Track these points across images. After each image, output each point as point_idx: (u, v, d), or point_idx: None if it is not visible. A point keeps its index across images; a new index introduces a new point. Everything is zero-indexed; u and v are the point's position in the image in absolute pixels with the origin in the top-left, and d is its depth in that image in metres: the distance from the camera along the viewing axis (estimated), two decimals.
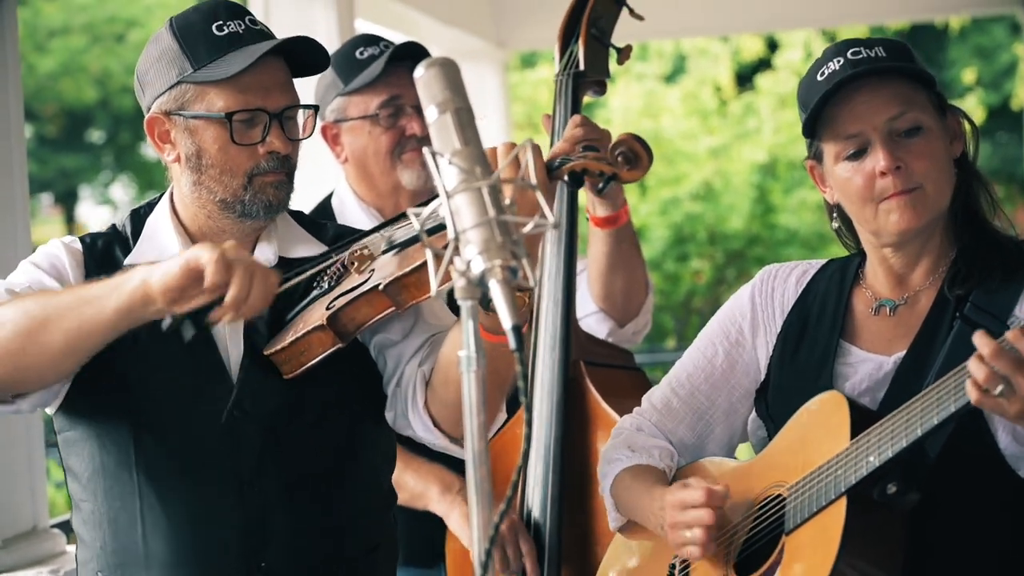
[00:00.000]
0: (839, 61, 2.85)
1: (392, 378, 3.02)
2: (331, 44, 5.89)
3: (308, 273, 2.90)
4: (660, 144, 17.13)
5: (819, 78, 2.87)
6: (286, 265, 3.01)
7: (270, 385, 2.93)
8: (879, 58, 2.85)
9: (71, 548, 4.22)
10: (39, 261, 2.97)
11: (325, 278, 3.00)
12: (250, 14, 2.99)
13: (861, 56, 2.85)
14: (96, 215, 22.64)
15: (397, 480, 3.24)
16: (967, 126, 2.94)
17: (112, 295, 2.65)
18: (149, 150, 20.60)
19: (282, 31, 3.08)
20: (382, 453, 3.15)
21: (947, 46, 19.91)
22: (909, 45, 2.95)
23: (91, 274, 2.95)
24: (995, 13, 13.43)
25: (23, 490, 4.21)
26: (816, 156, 2.95)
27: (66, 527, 4.27)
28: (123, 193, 22.43)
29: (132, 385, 2.93)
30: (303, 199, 4.23)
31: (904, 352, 2.85)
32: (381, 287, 2.82)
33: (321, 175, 5.44)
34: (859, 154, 2.85)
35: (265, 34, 2.96)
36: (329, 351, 2.89)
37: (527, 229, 2.15)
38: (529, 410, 2.02)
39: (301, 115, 3.00)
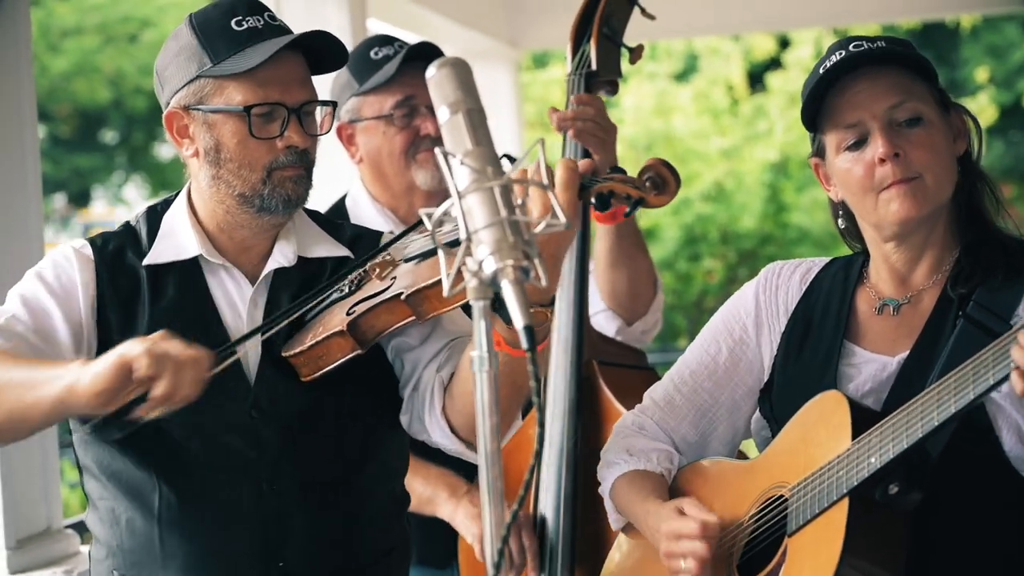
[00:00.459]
0: (840, 54, 2.87)
1: (409, 382, 3.02)
2: (344, 43, 5.90)
3: (238, 341, 2.87)
4: (672, 144, 17.14)
5: (820, 71, 2.87)
6: (305, 264, 3.03)
7: (287, 386, 2.94)
8: (879, 48, 2.86)
9: (85, 548, 4.22)
10: (46, 274, 2.97)
11: (345, 282, 3.00)
12: (269, 10, 3.01)
13: (862, 48, 2.86)
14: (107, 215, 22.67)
15: (406, 485, 3.25)
16: (971, 125, 2.93)
17: (49, 386, 2.63)
18: (163, 150, 20.62)
19: (294, 30, 3.09)
20: (397, 456, 3.15)
21: (959, 45, 19.86)
22: (912, 43, 2.96)
23: (103, 278, 2.96)
24: (1007, 12, 13.41)
25: (37, 490, 4.22)
26: (819, 152, 2.95)
27: (80, 528, 4.28)
28: (136, 193, 22.44)
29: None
30: (318, 199, 4.24)
31: (907, 352, 2.85)
32: (403, 296, 2.82)
33: (336, 175, 5.44)
34: (859, 144, 2.85)
35: (284, 29, 2.98)
36: (348, 357, 2.89)
37: (539, 229, 2.16)
38: (541, 411, 2.03)
39: (319, 112, 3.01)
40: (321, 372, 2.91)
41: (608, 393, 3.74)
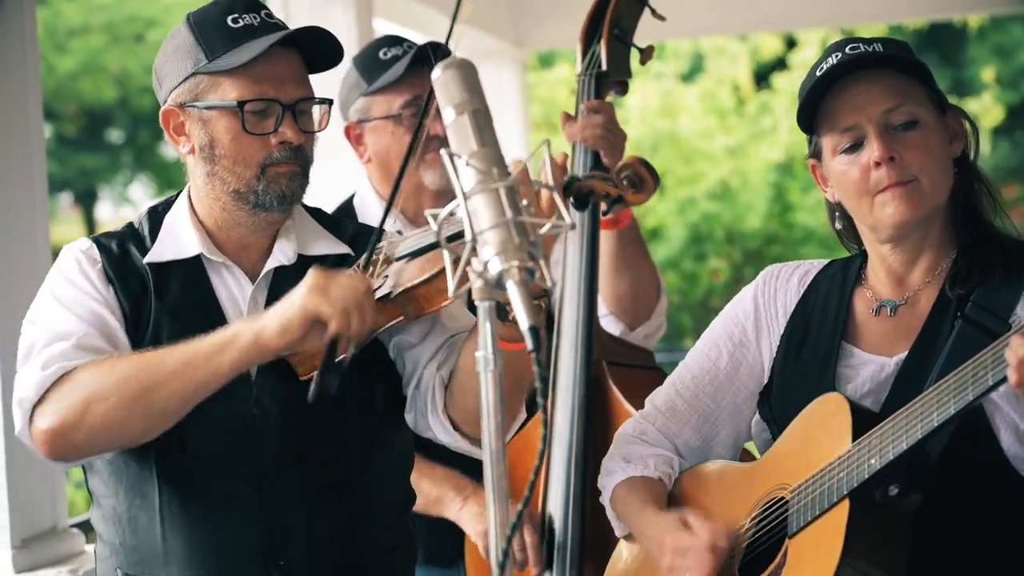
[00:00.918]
0: (837, 56, 2.87)
1: (411, 380, 3.03)
2: (349, 43, 5.89)
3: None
4: (677, 143, 17.12)
5: (817, 73, 2.88)
6: (305, 262, 3.03)
7: (287, 385, 2.94)
8: (876, 52, 2.86)
9: (90, 548, 4.23)
10: (77, 280, 2.97)
11: None
12: (266, 8, 3.01)
13: (859, 51, 2.86)
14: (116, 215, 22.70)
15: (413, 485, 3.25)
16: (968, 126, 2.93)
17: (224, 355, 2.75)
18: (169, 150, 20.61)
19: None
20: (400, 454, 3.15)
21: (966, 45, 19.84)
22: (910, 45, 2.96)
23: (111, 277, 2.97)
24: (1014, 12, 13.39)
25: (42, 490, 4.22)
26: (816, 154, 2.95)
27: (85, 527, 4.28)
28: (142, 193, 22.46)
29: None
30: (326, 199, 4.24)
31: (906, 353, 2.85)
32: (392, 295, 2.83)
33: (344, 175, 5.45)
34: (855, 147, 2.85)
35: (280, 26, 2.99)
36: (341, 356, 2.89)
37: (544, 230, 2.16)
38: (546, 411, 2.03)
39: (317, 110, 3.01)
40: (316, 371, 2.91)
41: (617, 393, 3.74)
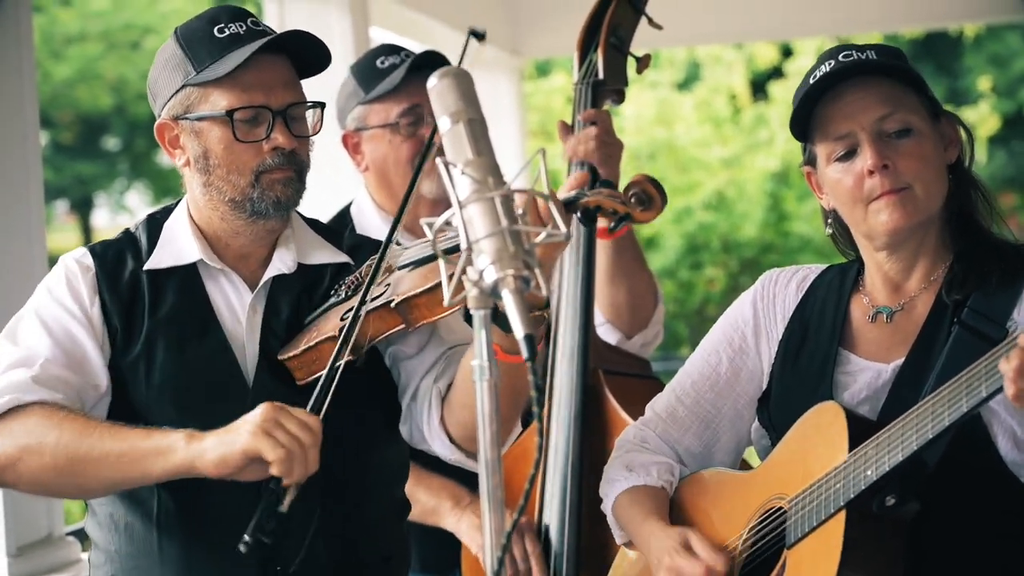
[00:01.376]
0: (830, 64, 2.87)
1: (407, 392, 3.03)
2: (346, 51, 5.91)
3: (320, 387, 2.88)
4: (673, 152, 17.15)
5: (810, 80, 2.88)
6: (305, 271, 3.03)
7: (284, 390, 2.93)
8: (869, 60, 2.87)
9: (86, 556, 4.21)
10: (61, 296, 2.97)
11: (342, 287, 3.00)
12: (253, 16, 3.00)
13: (852, 58, 2.87)
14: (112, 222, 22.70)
15: (410, 495, 3.24)
16: (962, 133, 2.93)
17: (157, 462, 2.73)
18: (165, 158, 20.57)
19: None
20: (395, 463, 3.15)
21: (962, 54, 19.89)
22: (904, 52, 2.96)
23: (103, 285, 2.98)
24: (1010, 21, 13.41)
25: (38, 498, 4.22)
26: (810, 161, 2.96)
27: (81, 535, 4.28)
28: (139, 200, 22.46)
29: (149, 388, 2.95)
30: (324, 207, 4.23)
31: (902, 360, 2.85)
32: (393, 304, 2.83)
33: (341, 183, 5.45)
34: (849, 155, 2.85)
35: (266, 34, 2.98)
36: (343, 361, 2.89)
37: (540, 239, 2.16)
38: (541, 420, 2.03)
39: (311, 115, 3.01)
40: (315, 376, 2.91)
41: (614, 402, 3.74)
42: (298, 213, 3.10)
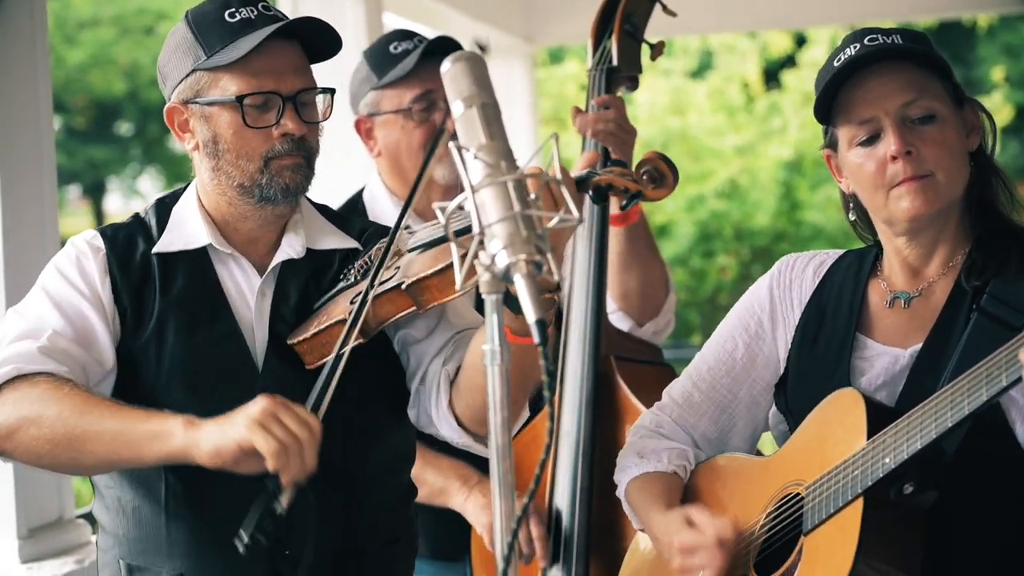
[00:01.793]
0: (855, 47, 2.86)
1: (415, 375, 3.03)
2: (359, 38, 5.91)
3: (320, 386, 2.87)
4: (686, 141, 17.13)
5: (835, 63, 2.87)
6: (314, 256, 3.03)
7: (293, 374, 2.94)
8: (895, 44, 2.85)
9: (96, 538, 4.24)
10: (70, 274, 2.97)
11: (352, 271, 3.01)
12: (264, 1, 3.01)
13: (877, 42, 2.85)
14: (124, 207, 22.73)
15: (418, 476, 3.25)
16: (985, 120, 2.92)
17: (152, 446, 2.70)
18: (177, 143, 20.62)
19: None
20: (403, 446, 3.16)
21: (975, 44, 19.83)
22: (928, 36, 2.95)
23: (114, 267, 2.98)
24: (1023, 12, 13.38)
25: (48, 481, 4.22)
26: (831, 144, 2.95)
27: (91, 518, 4.28)
28: (151, 185, 22.49)
29: (159, 371, 2.95)
30: (336, 193, 4.23)
31: (920, 345, 2.84)
32: (404, 286, 2.83)
33: (353, 169, 5.45)
34: (872, 140, 2.84)
35: (277, 19, 2.98)
36: (350, 345, 2.89)
37: (552, 224, 2.16)
38: (553, 405, 2.03)
39: (321, 101, 3.01)
40: (324, 360, 2.90)
41: (625, 389, 3.74)
42: (307, 198, 3.11)
